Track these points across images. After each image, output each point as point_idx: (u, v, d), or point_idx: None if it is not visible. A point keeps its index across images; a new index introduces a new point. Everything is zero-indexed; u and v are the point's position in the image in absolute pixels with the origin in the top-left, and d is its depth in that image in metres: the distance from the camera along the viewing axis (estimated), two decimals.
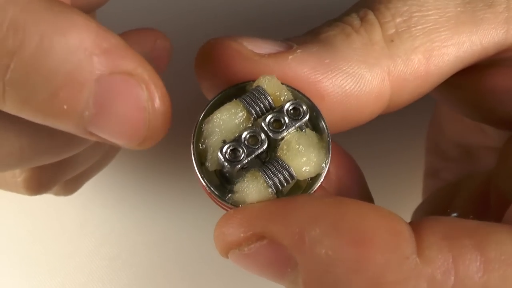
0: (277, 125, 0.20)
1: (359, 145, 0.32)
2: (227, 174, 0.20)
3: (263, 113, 0.20)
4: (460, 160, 0.31)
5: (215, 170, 0.21)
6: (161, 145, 0.35)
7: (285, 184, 0.20)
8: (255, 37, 0.21)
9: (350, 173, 0.28)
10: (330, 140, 0.20)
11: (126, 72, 0.19)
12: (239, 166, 0.19)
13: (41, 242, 0.36)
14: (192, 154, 0.20)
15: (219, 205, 0.21)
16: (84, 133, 0.20)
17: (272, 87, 0.20)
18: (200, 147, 0.20)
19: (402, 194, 0.36)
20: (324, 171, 0.20)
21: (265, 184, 0.19)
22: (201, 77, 0.21)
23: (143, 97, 0.19)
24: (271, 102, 0.20)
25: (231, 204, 0.20)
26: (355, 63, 0.21)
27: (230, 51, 0.21)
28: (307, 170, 0.20)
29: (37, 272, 0.36)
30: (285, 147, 0.20)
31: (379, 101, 0.21)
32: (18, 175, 0.27)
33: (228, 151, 0.19)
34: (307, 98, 0.21)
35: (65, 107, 0.19)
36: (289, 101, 0.20)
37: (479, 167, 0.30)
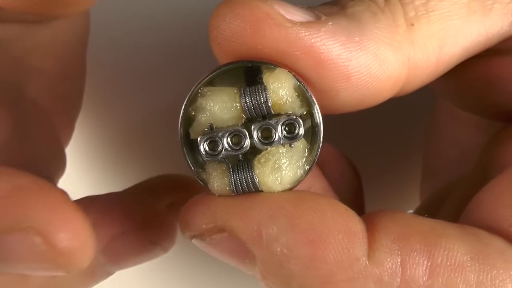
0: (266, 135, 0.19)
1: (357, 146, 0.33)
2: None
3: (258, 116, 0.19)
4: (457, 160, 0.31)
5: None
6: (161, 144, 0.35)
7: (248, 191, 0.19)
8: (283, 1, 0.20)
9: (343, 177, 0.28)
10: (317, 159, 0.20)
11: (11, 227, 0.17)
12: (211, 159, 0.19)
13: None
14: (181, 114, 0.20)
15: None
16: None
17: (278, 95, 0.19)
18: (190, 111, 0.20)
19: (401, 195, 0.36)
20: (295, 186, 0.20)
21: (228, 186, 0.19)
22: (218, 38, 0.19)
23: (40, 248, 0.17)
24: (270, 110, 0.19)
25: (197, 178, 0.20)
26: (382, 44, 0.20)
27: (259, 14, 0.19)
28: (274, 189, 0.20)
29: None
30: (262, 160, 0.19)
31: (395, 86, 0.21)
32: None
33: (208, 141, 0.19)
34: (316, 105, 0.20)
35: None
36: (288, 115, 0.19)
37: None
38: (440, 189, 0.31)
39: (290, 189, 0.20)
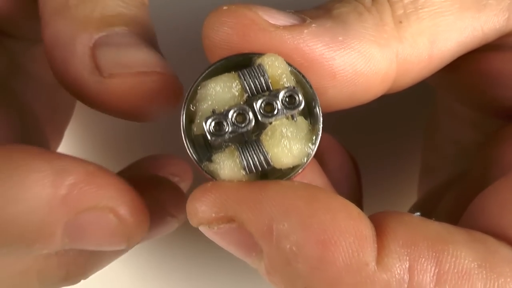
0: (269, 109, 0.19)
1: (357, 141, 0.33)
2: (210, 142, 0.20)
3: (258, 93, 0.20)
4: (455, 157, 0.31)
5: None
6: (162, 142, 0.35)
7: (260, 169, 0.20)
8: (269, 7, 0.21)
9: (342, 168, 0.28)
10: (320, 133, 0.20)
11: (90, 208, 0.20)
12: (220, 140, 0.19)
13: None
14: (182, 113, 0.20)
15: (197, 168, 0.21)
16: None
17: (274, 68, 0.20)
18: (191, 108, 0.20)
19: (399, 190, 0.36)
20: (305, 163, 0.20)
21: (239, 164, 0.19)
22: (209, 45, 0.21)
23: (113, 223, 0.21)
24: (269, 84, 0.20)
25: (205, 172, 0.20)
26: (367, 42, 0.20)
27: (244, 20, 0.20)
28: (285, 161, 0.20)
29: None
30: (269, 133, 0.20)
31: (385, 82, 0.21)
32: None
33: (213, 123, 0.19)
34: (309, 83, 0.20)
35: (44, 251, 0.21)
36: (286, 87, 0.19)
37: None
38: (437, 185, 0.31)
39: (301, 166, 0.20)
